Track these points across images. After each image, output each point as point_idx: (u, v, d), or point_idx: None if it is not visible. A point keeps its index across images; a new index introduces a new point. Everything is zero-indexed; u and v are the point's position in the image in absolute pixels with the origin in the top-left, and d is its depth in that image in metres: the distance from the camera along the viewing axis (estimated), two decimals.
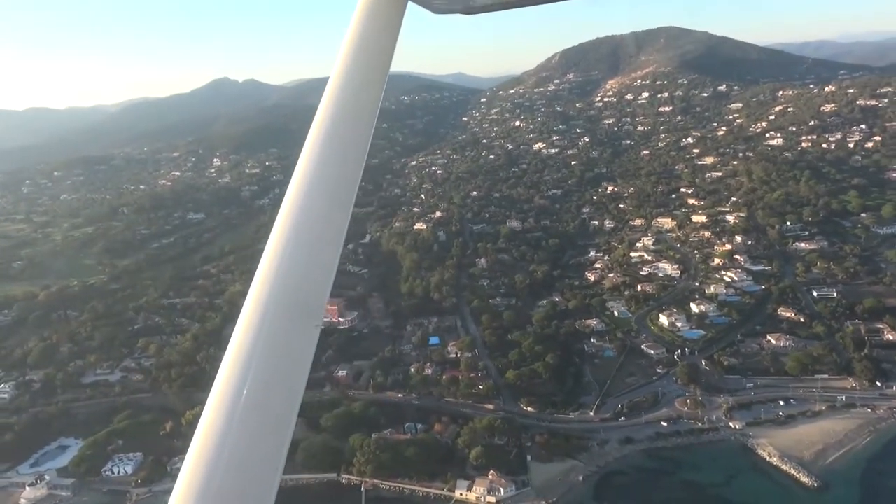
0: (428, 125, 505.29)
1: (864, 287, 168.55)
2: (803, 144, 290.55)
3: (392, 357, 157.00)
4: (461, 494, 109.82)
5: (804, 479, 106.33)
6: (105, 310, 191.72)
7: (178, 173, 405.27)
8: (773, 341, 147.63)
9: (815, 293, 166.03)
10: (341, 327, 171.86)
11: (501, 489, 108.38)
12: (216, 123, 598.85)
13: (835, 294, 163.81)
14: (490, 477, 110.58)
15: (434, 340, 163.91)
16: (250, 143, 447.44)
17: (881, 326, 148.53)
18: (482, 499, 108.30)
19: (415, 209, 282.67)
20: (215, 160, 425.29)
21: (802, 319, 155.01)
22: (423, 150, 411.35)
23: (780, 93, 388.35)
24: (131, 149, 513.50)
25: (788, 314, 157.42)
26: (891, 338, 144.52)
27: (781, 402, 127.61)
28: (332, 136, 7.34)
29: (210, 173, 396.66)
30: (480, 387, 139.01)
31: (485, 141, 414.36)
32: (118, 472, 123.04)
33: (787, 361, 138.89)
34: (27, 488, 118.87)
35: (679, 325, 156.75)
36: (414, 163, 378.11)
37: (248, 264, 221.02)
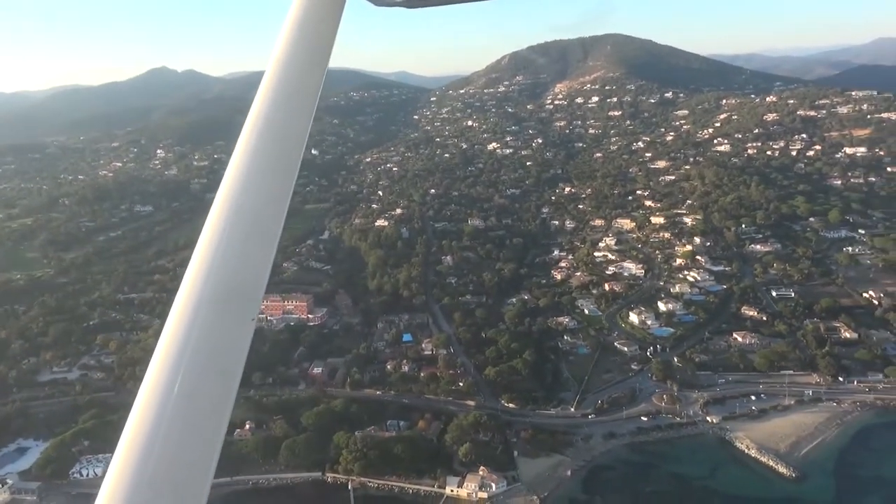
0: (378, 122, 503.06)
1: (818, 288, 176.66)
2: (749, 151, 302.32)
3: (366, 354, 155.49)
4: (452, 491, 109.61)
5: (783, 469, 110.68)
6: (56, 304, 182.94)
7: (119, 164, 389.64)
8: (739, 339, 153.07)
9: (773, 293, 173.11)
10: (311, 324, 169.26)
11: (493, 485, 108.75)
12: (156, 113, 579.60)
13: (792, 294, 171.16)
14: (481, 473, 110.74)
15: (407, 337, 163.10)
16: (195, 135, 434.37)
17: (838, 325, 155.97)
18: (473, 495, 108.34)
19: (373, 206, 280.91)
20: (159, 151, 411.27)
21: (765, 318, 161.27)
22: (376, 146, 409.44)
23: (724, 101, 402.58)
24: (65, 137, 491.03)
25: (751, 313, 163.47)
26: (847, 336, 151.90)
27: (753, 398, 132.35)
28: (269, 128, 7.18)
29: (155, 165, 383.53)
30: (460, 384, 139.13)
31: (438, 139, 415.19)
32: (87, 475, 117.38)
33: (754, 358, 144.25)
34: None
35: (649, 322, 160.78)
36: (368, 159, 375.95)
37: None
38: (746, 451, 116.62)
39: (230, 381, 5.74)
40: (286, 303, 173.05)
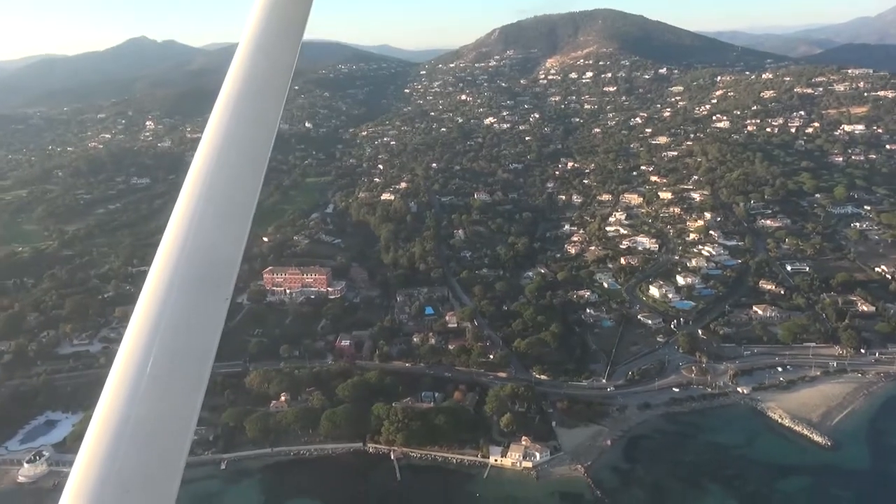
0: (369, 95, 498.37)
1: (830, 262, 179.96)
2: (749, 128, 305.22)
3: (391, 327, 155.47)
4: (496, 460, 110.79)
5: (817, 438, 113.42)
6: (67, 277, 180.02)
7: (108, 136, 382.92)
8: (760, 312, 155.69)
9: (788, 267, 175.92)
10: (332, 297, 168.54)
11: (537, 454, 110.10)
12: (139, 84, 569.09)
13: (807, 269, 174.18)
14: (524, 442, 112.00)
15: (429, 311, 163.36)
16: (183, 106, 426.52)
17: (854, 298, 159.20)
18: (518, 464, 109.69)
19: (376, 179, 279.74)
20: (148, 123, 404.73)
21: (782, 292, 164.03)
22: (370, 120, 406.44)
23: (719, 78, 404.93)
24: (45, 108, 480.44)
25: (769, 287, 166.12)
26: (865, 309, 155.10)
27: (780, 369, 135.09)
28: (242, 103, 7.07)
29: (146, 137, 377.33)
30: (490, 356, 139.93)
31: (432, 114, 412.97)
32: None
33: (776, 331, 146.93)
34: (25, 465, 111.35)
35: (670, 296, 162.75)
36: (364, 133, 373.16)
37: None
38: (780, 420, 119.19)
39: (203, 361, 5.64)
40: (305, 276, 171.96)
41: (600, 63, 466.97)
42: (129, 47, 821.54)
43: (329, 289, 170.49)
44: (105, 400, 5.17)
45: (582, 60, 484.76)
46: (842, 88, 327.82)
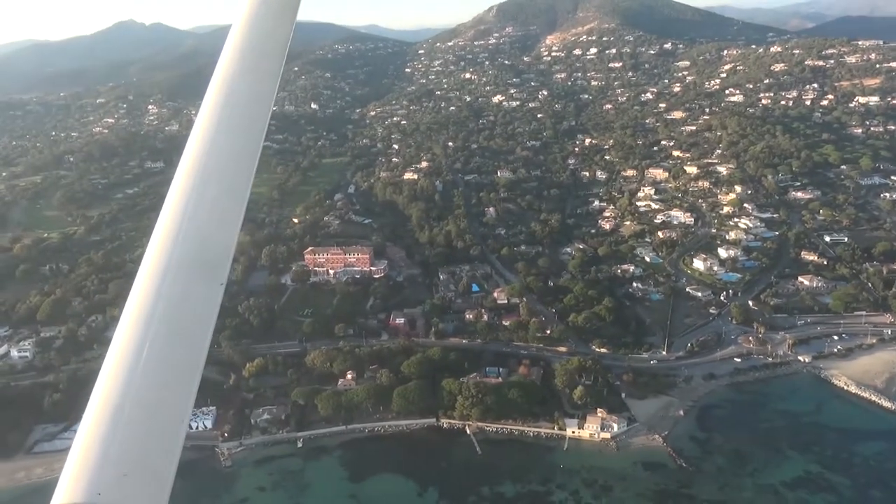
0: (370, 76, 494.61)
1: (866, 233, 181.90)
2: (763, 101, 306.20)
3: (441, 305, 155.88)
4: (573, 432, 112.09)
5: (886, 404, 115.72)
6: (104, 262, 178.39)
7: (111, 121, 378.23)
8: (806, 282, 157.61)
9: (826, 238, 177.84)
10: (376, 276, 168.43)
11: (615, 425, 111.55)
12: (132, 68, 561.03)
13: (846, 239, 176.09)
14: (600, 414, 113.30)
15: (475, 288, 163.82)
16: (184, 90, 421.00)
17: None
18: (596, 435, 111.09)
19: (394, 159, 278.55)
20: (151, 107, 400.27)
21: (825, 262, 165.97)
22: (374, 100, 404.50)
23: (725, 52, 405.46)
24: (42, 93, 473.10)
25: (811, 257, 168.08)
26: None
27: (835, 338, 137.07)
28: (236, 86, 7.08)
29: (151, 121, 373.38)
30: (548, 331, 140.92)
31: (438, 93, 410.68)
32: (196, 427, 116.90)
33: (828, 300, 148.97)
34: None
35: (715, 268, 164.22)
36: (373, 113, 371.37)
37: None
38: (845, 387, 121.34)
39: (199, 346, 5.65)
40: (348, 255, 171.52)
41: (604, 39, 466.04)
42: (117, 31, 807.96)
43: (372, 268, 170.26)
44: (102, 384, 5.16)
45: (585, 37, 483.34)
46: (853, 60, 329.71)
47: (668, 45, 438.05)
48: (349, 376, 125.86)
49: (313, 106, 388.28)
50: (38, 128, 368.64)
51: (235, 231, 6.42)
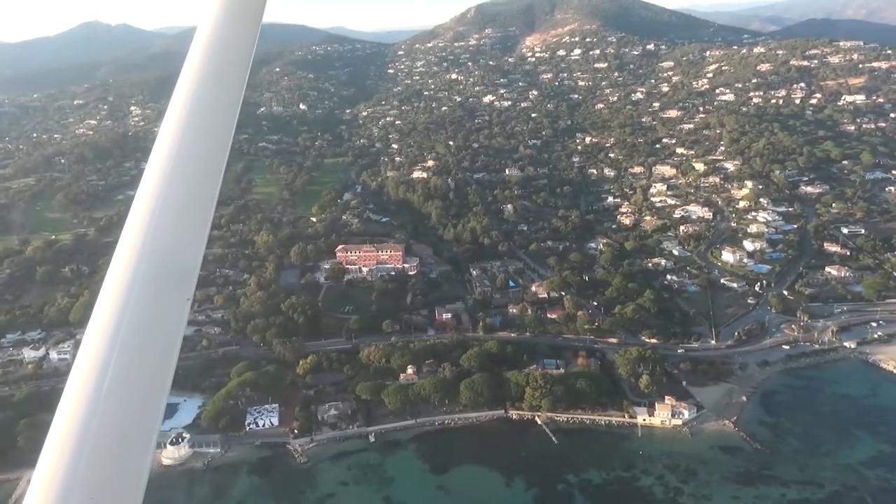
0: (352, 76, 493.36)
1: (880, 224, 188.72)
2: (754, 100, 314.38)
3: (483, 300, 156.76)
4: (644, 420, 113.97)
5: None
6: None
7: (93, 122, 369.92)
8: (833, 272, 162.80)
9: (844, 230, 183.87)
10: (411, 273, 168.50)
11: (685, 412, 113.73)
12: (103, 70, 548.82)
13: (862, 231, 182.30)
14: (669, 402, 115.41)
15: (511, 284, 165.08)
16: (165, 91, 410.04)
17: None
18: (667, 422, 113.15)
19: (396, 158, 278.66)
20: (133, 108, 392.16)
21: (848, 253, 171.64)
22: (360, 101, 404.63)
23: (708, 53, 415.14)
24: (11, 95, 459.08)
25: (834, 248, 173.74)
26: None
27: (874, 324, 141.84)
28: (202, 88, 6.92)
29: (136, 122, 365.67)
30: (595, 323, 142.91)
31: (426, 93, 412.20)
32: (263, 425, 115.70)
33: (860, 288, 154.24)
34: (168, 447, 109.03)
35: (745, 260, 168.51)
36: (364, 114, 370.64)
37: (254, 211, 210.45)
38: (895, 371, 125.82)
39: (165, 366, 5.56)
40: (380, 252, 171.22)
41: (587, 40, 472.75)
42: (82, 31, 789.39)
43: (405, 265, 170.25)
44: (66, 405, 5.07)
45: (567, 38, 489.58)
46: (836, 60, 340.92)
47: (650, 46, 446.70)
48: (410, 370, 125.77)
49: (302, 107, 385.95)
50: (16, 130, 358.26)
51: (202, 244, 6.20)
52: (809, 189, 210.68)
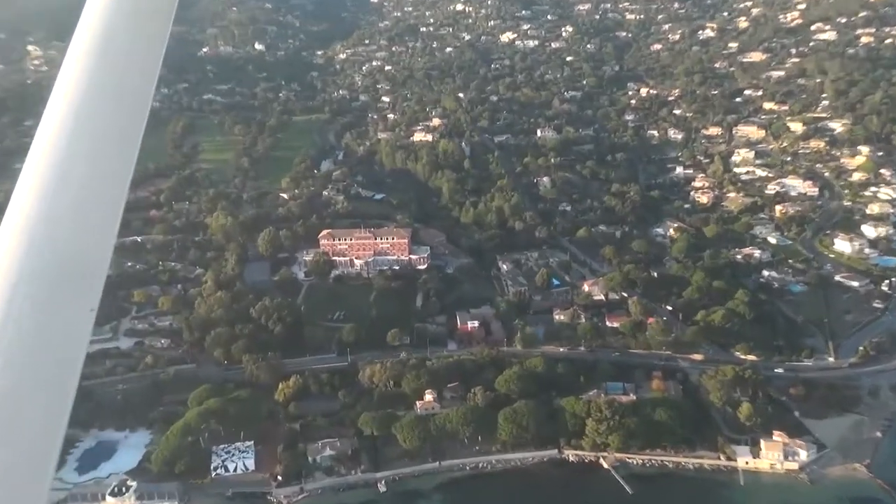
0: (321, 7, 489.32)
1: None
2: (863, 39, 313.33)
3: (519, 303, 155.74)
4: (747, 463, 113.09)
5: None
6: None
7: None
8: None
9: None
10: (420, 267, 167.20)
11: (801, 452, 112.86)
12: None
13: None
14: (780, 438, 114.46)
15: (555, 281, 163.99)
16: (70, 24, 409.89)
17: None
18: (778, 465, 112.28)
19: (390, 116, 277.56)
20: (31, 48, 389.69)
21: None
22: (339, 39, 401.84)
23: None
24: None
25: None
26: None
27: None
28: (109, 46, 6.92)
29: (36, 66, 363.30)
30: (672, 334, 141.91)
31: (423, 29, 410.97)
32: (234, 469, 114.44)
33: None
34: (109, 499, 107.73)
35: (866, 251, 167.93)
36: (342, 56, 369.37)
37: (203, 185, 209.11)
38: None
39: (67, 385, 5.72)
40: (379, 240, 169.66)
41: None
42: None
43: (412, 256, 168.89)
44: None
45: None
46: None
47: None
48: (429, 397, 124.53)
49: (258, 46, 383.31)
50: None
51: (109, 246, 6.28)
52: None
